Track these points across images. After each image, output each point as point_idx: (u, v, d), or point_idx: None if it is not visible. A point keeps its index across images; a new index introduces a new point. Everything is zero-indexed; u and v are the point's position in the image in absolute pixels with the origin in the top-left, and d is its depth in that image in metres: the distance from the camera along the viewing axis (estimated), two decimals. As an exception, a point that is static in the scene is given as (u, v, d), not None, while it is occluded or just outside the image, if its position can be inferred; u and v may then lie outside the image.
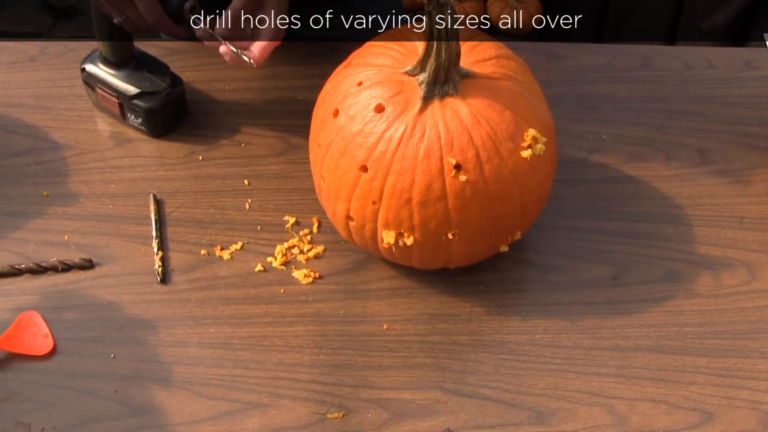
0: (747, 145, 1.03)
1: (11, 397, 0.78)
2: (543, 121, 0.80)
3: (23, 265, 0.86)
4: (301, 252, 0.90)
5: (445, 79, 0.76)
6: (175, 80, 0.98)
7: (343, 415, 0.79)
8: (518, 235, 0.83)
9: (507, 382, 0.81)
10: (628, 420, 0.79)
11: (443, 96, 0.77)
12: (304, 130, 0.99)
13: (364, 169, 0.77)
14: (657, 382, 0.82)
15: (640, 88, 1.09)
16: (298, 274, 0.88)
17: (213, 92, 1.05)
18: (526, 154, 0.77)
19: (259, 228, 0.92)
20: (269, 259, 0.89)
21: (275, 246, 0.90)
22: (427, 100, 0.76)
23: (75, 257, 0.88)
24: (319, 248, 0.90)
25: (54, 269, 0.87)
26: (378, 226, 0.80)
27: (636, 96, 1.08)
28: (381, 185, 0.77)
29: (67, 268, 0.87)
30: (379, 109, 0.77)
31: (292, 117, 1.02)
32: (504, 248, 0.83)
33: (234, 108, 1.03)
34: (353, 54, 0.84)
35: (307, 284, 0.88)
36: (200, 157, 0.98)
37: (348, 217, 0.81)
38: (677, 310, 0.87)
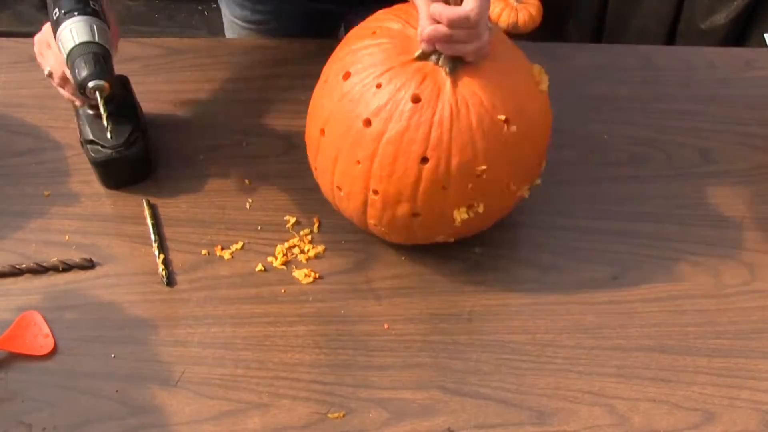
0: (747, 145, 1.03)
1: (12, 397, 0.78)
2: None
3: (24, 265, 0.86)
4: (302, 252, 0.90)
5: None
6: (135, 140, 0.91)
7: (343, 415, 0.79)
8: (538, 181, 0.86)
9: (508, 382, 0.81)
10: (629, 420, 0.79)
11: (461, 67, 0.78)
12: (304, 130, 0.99)
13: (425, 160, 0.77)
14: (658, 382, 0.82)
15: (640, 88, 1.09)
16: (298, 273, 0.88)
17: (214, 92, 1.05)
18: (543, 87, 0.82)
19: (259, 228, 0.92)
20: (270, 258, 0.89)
21: (276, 246, 0.90)
22: (453, 74, 0.77)
23: (76, 257, 0.88)
24: (320, 248, 0.90)
25: (55, 269, 0.87)
26: (447, 209, 0.80)
27: (636, 96, 1.08)
28: (446, 168, 0.77)
29: (68, 268, 0.87)
30: (416, 99, 0.76)
31: (293, 117, 1.02)
32: (526, 194, 0.85)
33: (235, 108, 1.03)
34: (335, 65, 0.82)
35: (307, 284, 0.88)
36: (201, 157, 0.98)
37: (414, 215, 0.80)
38: (678, 310, 0.87)
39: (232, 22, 1.19)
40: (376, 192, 0.79)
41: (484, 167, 0.77)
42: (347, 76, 0.79)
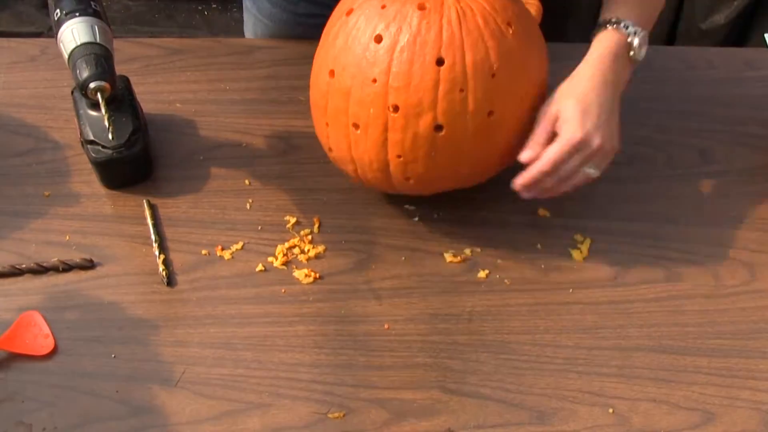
0: (747, 145, 1.03)
1: (12, 397, 0.78)
2: None
3: (24, 265, 0.86)
4: (302, 252, 0.90)
5: None
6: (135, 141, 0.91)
7: (343, 415, 0.79)
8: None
9: (508, 382, 0.81)
10: (629, 420, 0.79)
11: None
12: (304, 130, 0.99)
13: (440, 61, 0.78)
14: (658, 382, 0.82)
15: (640, 88, 1.08)
16: (298, 273, 0.88)
17: (214, 92, 1.05)
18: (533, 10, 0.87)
19: (260, 228, 0.92)
20: (270, 258, 0.89)
21: (276, 246, 0.90)
22: None
23: (76, 257, 0.88)
24: (320, 248, 0.90)
25: (55, 269, 0.87)
26: (468, 118, 0.80)
27: (636, 96, 1.08)
28: (462, 67, 0.78)
29: (68, 268, 0.87)
30: (422, 7, 0.79)
31: (292, 117, 1.02)
32: None
33: (234, 108, 1.03)
34: (334, 17, 0.84)
35: (307, 284, 0.88)
36: (201, 157, 0.98)
37: (437, 128, 0.80)
38: (678, 310, 0.87)
39: (258, 21, 1.18)
40: (396, 108, 0.79)
41: (497, 65, 0.79)
42: (350, 12, 0.81)
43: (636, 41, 0.86)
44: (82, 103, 0.91)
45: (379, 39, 0.79)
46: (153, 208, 0.93)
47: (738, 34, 1.90)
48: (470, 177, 0.87)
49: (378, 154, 0.83)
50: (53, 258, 0.88)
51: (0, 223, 0.91)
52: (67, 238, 0.90)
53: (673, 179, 0.99)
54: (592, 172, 0.84)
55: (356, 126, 0.82)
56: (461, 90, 0.78)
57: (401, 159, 0.82)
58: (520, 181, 0.84)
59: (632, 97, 1.07)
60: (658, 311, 0.87)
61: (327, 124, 0.85)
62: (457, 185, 0.89)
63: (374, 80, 0.79)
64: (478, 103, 0.79)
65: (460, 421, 0.79)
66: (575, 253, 0.91)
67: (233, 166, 0.97)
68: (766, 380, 0.82)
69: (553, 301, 0.88)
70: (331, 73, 0.82)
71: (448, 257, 0.90)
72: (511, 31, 0.80)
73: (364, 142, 0.82)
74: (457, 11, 0.79)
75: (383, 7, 0.80)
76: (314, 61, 0.86)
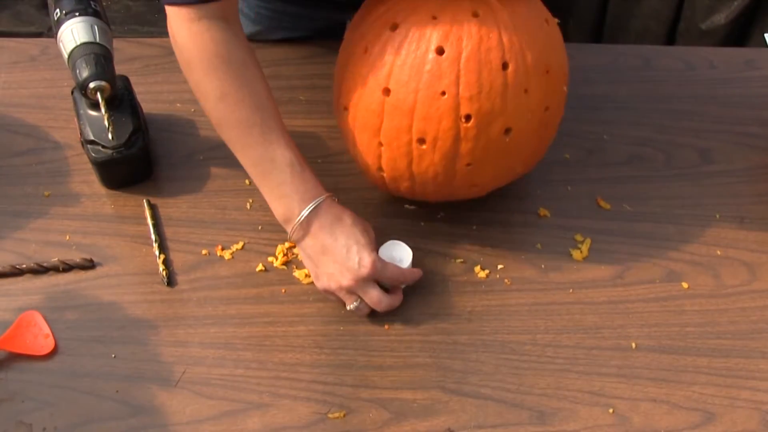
0: (747, 145, 1.03)
1: (12, 397, 0.78)
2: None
3: (24, 265, 0.86)
4: (302, 252, 0.90)
5: None
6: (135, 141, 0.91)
7: (344, 415, 0.79)
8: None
9: (508, 382, 0.81)
10: (629, 420, 0.79)
11: None
12: (304, 130, 0.99)
13: (505, 65, 0.78)
14: (658, 382, 0.82)
15: (640, 88, 1.09)
16: (299, 273, 0.88)
17: (214, 92, 1.05)
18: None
19: (260, 228, 0.92)
20: (270, 258, 0.89)
21: (276, 246, 0.90)
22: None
23: (76, 257, 0.88)
24: (320, 248, 0.90)
25: (55, 269, 0.87)
26: (532, 117, 0.81)
27: (636, 96, 1.08)
28: (525, 68, 0.78)
29: (68, 268, 0.87)
30: (475, 14, 0.77)
31: (293, 117, 1.02)
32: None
33: (235, 108, 1.03)
34: (369, 34, 0.81)
35: (308, 284, 0.88)
36: (201, 157, 0.98)
37: (507, 131, 0.80)
38: (678, 310, 0.87)
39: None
40: (468, 117, 0.78)
41: (549, 62, 0.80)
42: (395, 26, 0.79)
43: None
44: (82, 102, 0.91)
45: (440, 51, 0.76)
46: (153, 208, 0.93)
47: (738, 34, 1.90)
48: (521, 172, 0.88)
49: (446, 166, 0.82)
50: (53, 258, 0.88)
51: (0, 223, 0.91)
52: (67, 238, 0.90)
53: (673, 179, 0.99)
54: (352, 307, 0.83)
55: (422, 141, 0.80)
56: (526, 91, 0.78)
57: (470, 167, 0.82)
58: None
59: (632, 97, 1.08)
60: (658, 311, 0.87)
61: (380, 144, 0.82)
62: (508, 182, 0.89)
63: (443, 92, 0.77)
64: (539, 101, 0.80)
65: (460, 421, 0.79)
66: (575, 253, 0.91)
67: (233, 166, 0.97)
68: (766, 380, 0.82)
69: (553, 301, 0.88)
70: (386, 91, 0.79)
71: (449, 257, 0.90)
72: (549, 26, 0.81)
73: (430, 156, 0.81)
74: (509, 13, 0.78)
75: (434, 18, 0.77)
76: (348, 80, 0.83)
